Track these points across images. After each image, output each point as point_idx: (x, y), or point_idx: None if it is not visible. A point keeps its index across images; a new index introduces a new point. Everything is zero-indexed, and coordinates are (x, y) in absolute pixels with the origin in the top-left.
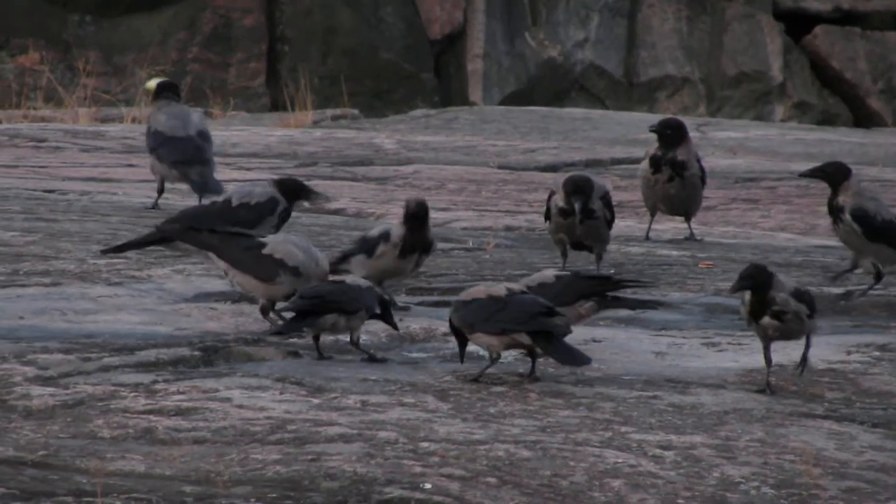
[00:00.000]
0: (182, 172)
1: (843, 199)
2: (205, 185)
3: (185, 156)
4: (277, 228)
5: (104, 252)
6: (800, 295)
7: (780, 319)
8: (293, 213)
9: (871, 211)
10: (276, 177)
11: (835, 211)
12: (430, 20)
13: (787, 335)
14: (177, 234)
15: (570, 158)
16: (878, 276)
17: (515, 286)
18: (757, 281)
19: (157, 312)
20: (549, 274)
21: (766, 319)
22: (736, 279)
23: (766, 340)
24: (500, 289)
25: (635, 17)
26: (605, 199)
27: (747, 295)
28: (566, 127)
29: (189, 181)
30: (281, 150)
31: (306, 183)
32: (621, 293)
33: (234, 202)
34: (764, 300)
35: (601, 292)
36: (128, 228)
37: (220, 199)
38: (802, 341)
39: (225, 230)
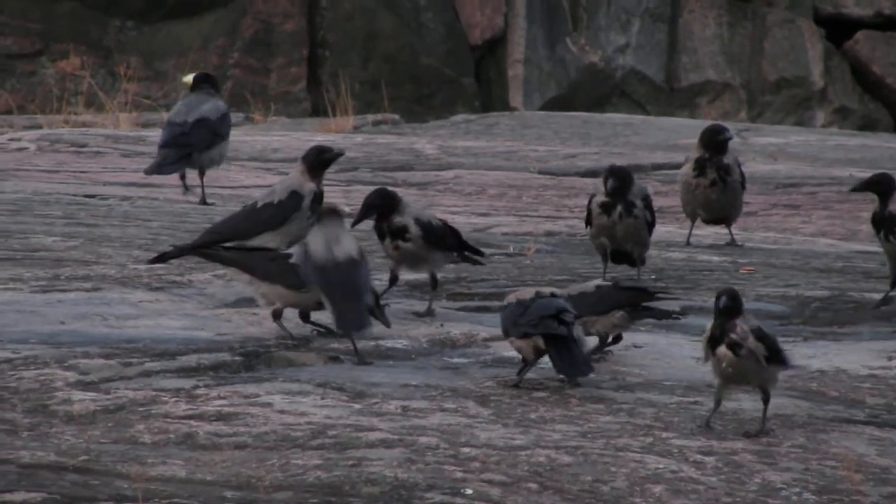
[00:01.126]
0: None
1: None
2: (152, 167)
3: (164, 140)
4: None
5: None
6: (761, 335)
7: (736, 353)
8: None
9: None
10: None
11: (888, 221)
12: (471, 25)
13: (743, 375)
14: (190, 252)
15: (610, 164)
16: None
17: (546, 290)
18: (729, 303)
19: (197, 317)
20: (590, 284)
21: (722, 350)
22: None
23: (722, 378)
24: (528, 293)
25: (676, 23)
26: (646, 200)
27: (709, 324)
28: (607, 132)
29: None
30: None
31: (324, 144)
32: (650, 303)
33: (259, 204)
34: (725, 327)
35: (635, 303)
36: (168, 233)
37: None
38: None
39: (244, 247)
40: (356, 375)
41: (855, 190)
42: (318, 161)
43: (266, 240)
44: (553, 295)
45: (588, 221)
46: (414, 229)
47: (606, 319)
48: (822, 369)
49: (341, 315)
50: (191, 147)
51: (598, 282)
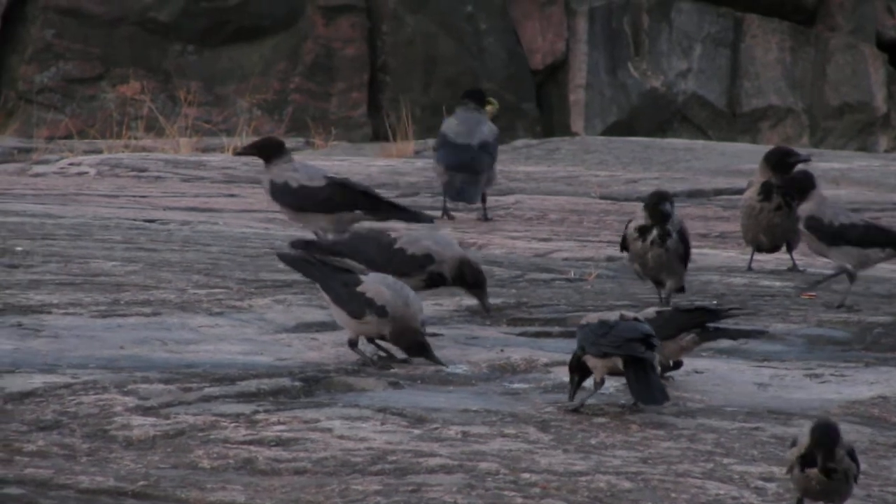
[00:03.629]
0: (450, 177)
1: None
2: (460, 193)
3: (455, 162)
4: (427, 285)
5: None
6: (852, 453)
7: (830, 476)
8: None
9: None
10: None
11: None
12: (532, 50)
13: (828, 496)
14: (289, 261)
15: (672, 189)
16: None
17: (630, 314)
18: (832, 440)
19: (257, 342)
20: (651, 310)
21: (815, 471)
22: (816, 447)
23: (805, 494)
24: (613, 315)
25: (738, 48)
26: (682, 233)
27: (801, 439)
28: (668, 157)
29: (449, 187)
30: (382, 180)
31: (477, 265)
32: (723, 324)
33: (397, 244)
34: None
35: (701, 323)
36: (228, 258)
37: (385, 237)
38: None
39: (333, 263)
40: (416, 401)
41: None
42: (463, 276)
43: None
44: (636, 319)
45: (623, 246)
46: None
47: (674, 344)
48: (883, 395)
49: None
50: (480, 173)
51: (658, 308)
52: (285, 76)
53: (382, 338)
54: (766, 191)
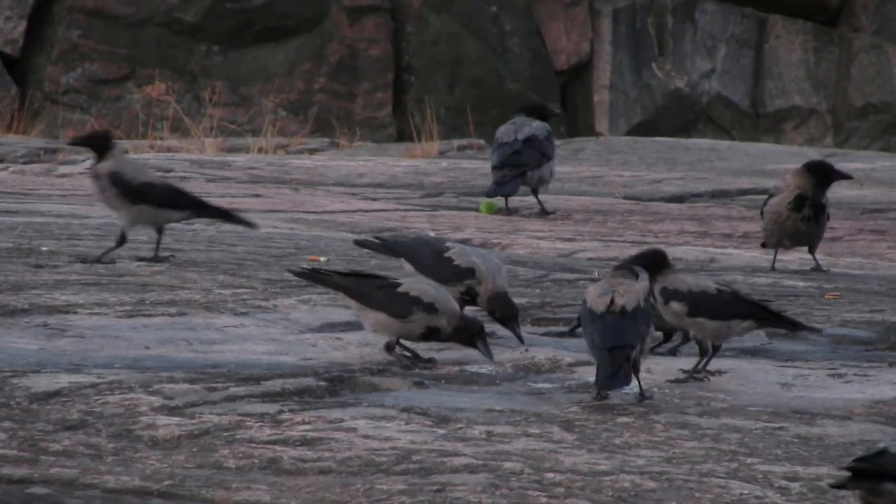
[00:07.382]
0: (496, 174)
1: None
2: (499, 185)
3: (499, 160)
4: (461, 299)
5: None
6: None
7: None
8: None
9: None
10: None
11: None
12: (557, 51)
13: None
14: (304, 275)
15: (696, 189)
16: None
17: (621, 300)
18: None
19: (282, 342)
20: (711, 285)
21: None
22: None
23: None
24: (603, 300)
25: (762, 48)
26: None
27: None
28: (692, 157)
29: (494, 183)
30: (407, 181)
31: (511, 302)
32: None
33: (447, 253)
34: None
35: (758, 318)
36: (253, 258)
37: (441, 245)
38: None
39: (356, 271)
40: (441, 400)
41: None
42: (494, 312)
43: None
44: (623, 311)
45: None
46: None
47: (724, 326)
48: None
49: None
50: (524, 167)
51: (716, 284)
52: (310, 77)
53: (428, 336)
54: (798, 203)
